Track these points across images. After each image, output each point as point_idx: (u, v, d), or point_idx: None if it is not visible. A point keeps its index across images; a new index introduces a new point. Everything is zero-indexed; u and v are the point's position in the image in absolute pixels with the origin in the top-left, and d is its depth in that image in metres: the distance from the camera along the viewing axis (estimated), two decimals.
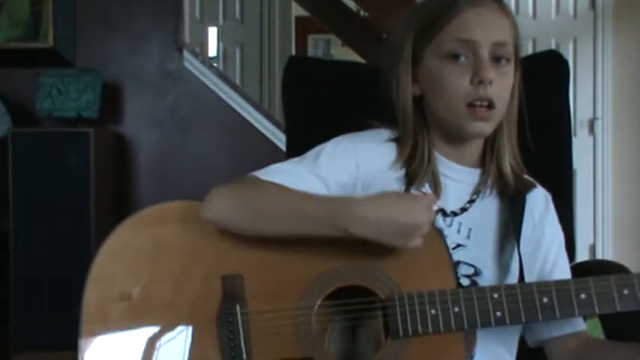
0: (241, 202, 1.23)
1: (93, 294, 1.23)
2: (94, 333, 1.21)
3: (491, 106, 1.27)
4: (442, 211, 1.32)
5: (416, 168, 1.31)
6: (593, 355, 1.29)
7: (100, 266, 1.24)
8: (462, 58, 1.26)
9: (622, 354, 1.25)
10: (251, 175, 1.29)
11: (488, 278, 1.30)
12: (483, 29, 1.27)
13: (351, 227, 1.15)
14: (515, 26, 1.31)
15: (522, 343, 1.37)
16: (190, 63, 3.75)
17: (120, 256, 1.24)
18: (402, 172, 1.33)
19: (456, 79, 1.27)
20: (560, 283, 1.21)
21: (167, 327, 1.22)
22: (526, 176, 1.37)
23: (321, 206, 1.19)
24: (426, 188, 1.32)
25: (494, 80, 1.26)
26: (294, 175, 1.29)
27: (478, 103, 1.26)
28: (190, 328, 1.21)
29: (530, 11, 4.45)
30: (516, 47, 1.31)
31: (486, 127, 1.29)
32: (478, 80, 1.25)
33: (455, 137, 1.33)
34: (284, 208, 1.21)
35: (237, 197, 1.24)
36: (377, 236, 1.16)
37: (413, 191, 1.31)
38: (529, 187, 1.36)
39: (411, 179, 1.31)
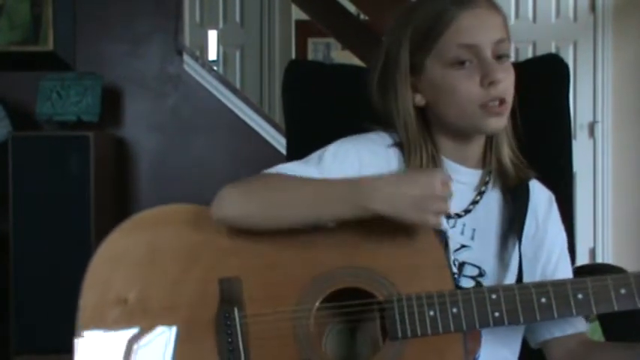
0: (255, 196, 1.23)
1: (89, 299, 1.23)
2: (91, 338, 1.21)
3: (502, 102, 1.27)
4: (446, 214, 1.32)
5: None
6: (592, 355, 1.30)
7: (95, 271, 1.24)
8: (467, 63, 1.26)
9: (621, 355, 1.26)
10: (258, 175, 1.29)
11: (490, 277, 1.30)
12: (483, 30, 1.27)
13: (369, 204, 1.15)
14: (505, 20, 1.31)
15: (524, 344, 1.37)
16: (190, 66, 3.75)
17: (115, 261, 1.24)
18: None
19: (466, 84, 1.26)
20: (558, 284, 1.21)
21: (164, 331, 1.21)
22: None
23: (338, 186, 1.19)
24: None
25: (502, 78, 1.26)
26: (303, 173, 1.28)
27: (491, 103, 1.26)
28: (188, 332, 1.21)
29: (530, 15, 4.45)
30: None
31: (501, 122, 1.29)
32: (489, 82, 1.25)
33: (461, 138, 1.33)
34: (300, 193, 1.21)
35: (249, 192, 1.24)
36: (394, 211, 1.15)
37: None
38: (530, 174, 1.36)
39: None
